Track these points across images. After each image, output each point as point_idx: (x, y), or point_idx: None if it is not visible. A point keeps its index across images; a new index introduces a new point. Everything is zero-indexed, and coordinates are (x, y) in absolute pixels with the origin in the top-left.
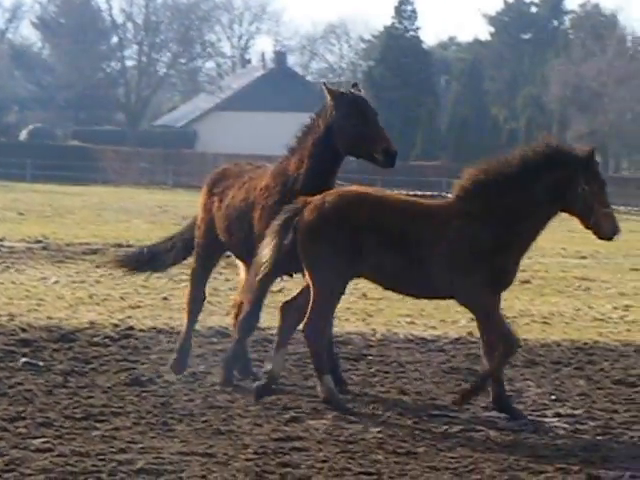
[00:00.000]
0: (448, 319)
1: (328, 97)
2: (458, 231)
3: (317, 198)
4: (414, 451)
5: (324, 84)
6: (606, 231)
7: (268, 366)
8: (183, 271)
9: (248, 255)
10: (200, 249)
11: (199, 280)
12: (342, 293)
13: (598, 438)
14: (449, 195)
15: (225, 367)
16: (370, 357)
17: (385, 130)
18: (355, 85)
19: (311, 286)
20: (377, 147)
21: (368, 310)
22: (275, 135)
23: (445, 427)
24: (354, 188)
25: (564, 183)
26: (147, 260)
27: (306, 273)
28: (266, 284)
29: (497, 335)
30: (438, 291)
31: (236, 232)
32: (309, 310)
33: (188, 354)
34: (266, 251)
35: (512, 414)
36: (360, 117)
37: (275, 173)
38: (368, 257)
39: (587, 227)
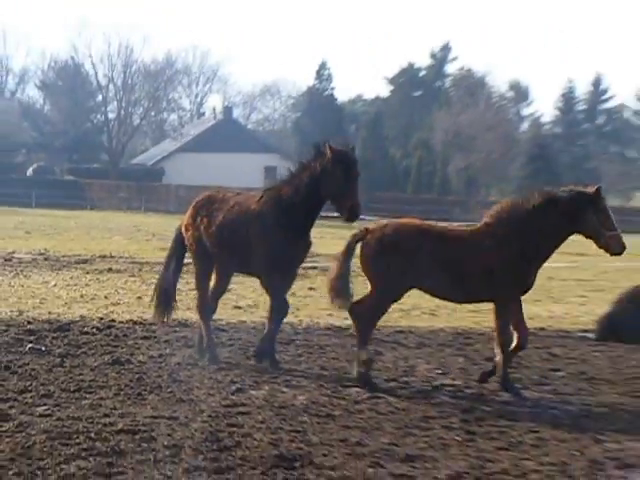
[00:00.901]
0: None
1: (329, 151)
2: (489, 249)
3: (377, 228)
4: (332, 414)
5: (328, 145)
6: (614, 249)
7: (362, 357)
8: (153, 275)
9: (234, 263)
10: (197, 260)
11: (204, 286)
12: (396, 300)
13: (473, 402)
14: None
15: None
16: (297, 342)
17: (358, 192)
18: (353, 148)
19: (371, 291)
20: (346, 203)
21: (296, 305)
22: (223, 170)
23: (356, 394)
24: (406, 220)
25: (578, 213)
26: (172, 294)
27: (369, 281)
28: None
29: (501, 330)
30: (477, 297)
31: (227, 245)
32: (366, 305)
33: (215, 347)
34: (334, 265)
35: (512, 391)
36: (344, 175)
37: (271, 196)
38: (419, 274)
39: (599, 246)
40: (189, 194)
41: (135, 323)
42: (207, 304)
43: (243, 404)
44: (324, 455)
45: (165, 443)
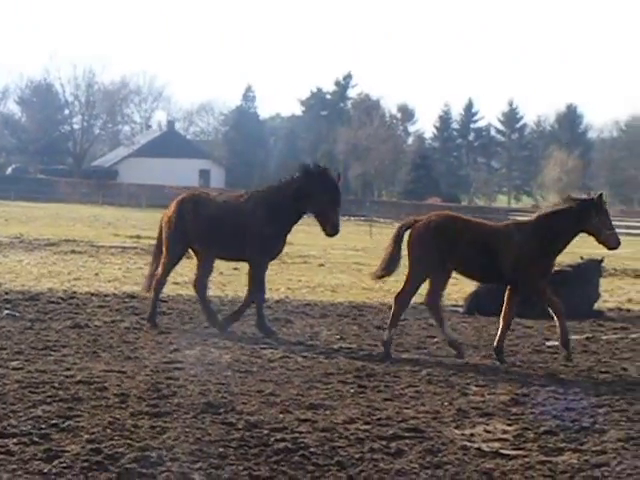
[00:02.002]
0: (274, 288)
1: (320, 176)
2: (518, 243)
3: (424, 217)
4: (250, 370)
5: (325, 168)
6: (612, 244)
7: (384, 337)
8: (111, 253)
9: (224, 251)
10: (171, 250)
11: (167, 271)
12: (426, 278)
13: (365, 362)
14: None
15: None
16: (225, 311)
17: (339, 210)
18: (339, 175)
19: (409, 273)
20: (329, 221)
21: (223, 282)
22: (166, 172)
23: (270, 354)
24: (447, 212)
25: (584, 215)
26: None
27: (408, 264)
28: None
29: (547, 302)
30: (506, 280)
31: (217, 235)
32: (403, 286)
33: (216, 315)
34: (388, 250)
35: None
36: (330, 199)
37: (263, 197)
38: (458, 259)
39: (599, 242)
40: (138, 191)
41: (92, 295)
42: (162, 284)
43: (179, 361)
44: (244, 403)
45: (115, 392)
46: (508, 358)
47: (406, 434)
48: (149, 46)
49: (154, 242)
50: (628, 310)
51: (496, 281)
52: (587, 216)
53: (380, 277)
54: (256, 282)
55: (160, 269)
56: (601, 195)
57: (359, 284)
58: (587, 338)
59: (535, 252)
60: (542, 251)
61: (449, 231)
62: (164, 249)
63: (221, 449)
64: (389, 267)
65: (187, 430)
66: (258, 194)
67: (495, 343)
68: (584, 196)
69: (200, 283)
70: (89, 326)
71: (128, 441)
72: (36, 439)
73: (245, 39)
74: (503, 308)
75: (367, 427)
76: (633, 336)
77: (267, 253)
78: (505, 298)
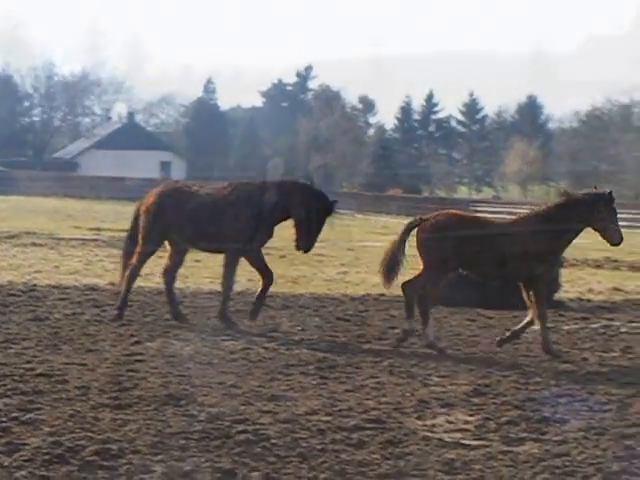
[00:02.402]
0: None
1: (317, 198)
2: (525, 239)
3: (430, 216)
4: (212, 362)
5: (319, 190)
6: (615, 240)
7: (405, 326)
8: (72, 245)
9: (207, 243)
10: (149, 241)
11: (141, 262)
12: (443, 278)
13: (327, 354)
14: None
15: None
16: (185, 303)
17: (319, 231)
18: (333, 203)
19: (423, 269)
20: (304, 240)
21: (184, 273)
22: (127, 164)
23: (232, 346)
24: (454, 211)
25: (594, 210)
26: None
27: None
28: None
29: (542, 303)
30: (513, 278)
31: (201, 228)
32: (418, 279)
33: (178, 305)
34: (395, 244)
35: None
36: (319, 219)
37: (248, 190)
38: (465, 257)
39: (603, 237)
40: (98, 183)
41: (53, 287)
42: (136, 275)
43: (140, 353)
44: (205, 395)
45: (76, 385)
46: (469, 349)
47: (367, 425)
48: (110, 36)
49: (119, 234)
50: (589, 300)
51: (504, 278)
52: (596, 210)
53: (388, 279)
54: (229, 274)
55: (135, 259)
56: (611, 192)
57: (320, 275)
58: (548, 328)
59: (543, 246)
60: (550, 245)
61: (453, 230)
62: (140, 239)
63: (182, 441)
64: (394, 268)
65: (148, 422)
66: (243, 186)
67: (542, 345)
68: (595, 192)
69: (170, 274)
70: (49, 319)
71: (89, 434)
72: None
73: (206, 32)
74: (529, 307)
75: (329, 418)
76: (593, 326)
77: (245, 246)
78: (524, 295)
